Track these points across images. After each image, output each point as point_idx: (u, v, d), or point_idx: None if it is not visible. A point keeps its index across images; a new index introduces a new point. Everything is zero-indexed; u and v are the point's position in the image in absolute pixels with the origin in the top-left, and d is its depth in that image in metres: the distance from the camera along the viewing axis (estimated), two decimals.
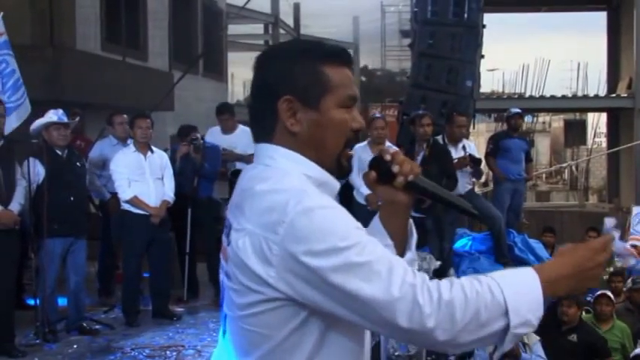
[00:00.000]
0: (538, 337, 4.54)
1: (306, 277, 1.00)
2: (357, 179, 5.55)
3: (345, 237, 1.00)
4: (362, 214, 5.48)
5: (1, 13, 4.78)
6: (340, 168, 1.14)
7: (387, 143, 5.68)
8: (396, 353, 3.64)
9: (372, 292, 0.98)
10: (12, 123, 4.59)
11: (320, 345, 1.06)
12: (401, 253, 1.17)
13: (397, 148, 1.30)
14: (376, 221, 1.20)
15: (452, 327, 0.98)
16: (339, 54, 1.13)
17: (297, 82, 1.10)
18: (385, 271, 0.99)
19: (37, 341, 4.35)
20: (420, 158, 5.37)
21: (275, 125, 1.11)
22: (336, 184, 1.14)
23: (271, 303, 1.03)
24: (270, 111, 1.11)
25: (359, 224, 1.06)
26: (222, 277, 1.14)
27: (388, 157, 1.15)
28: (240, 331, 1.08)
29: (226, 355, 1.13)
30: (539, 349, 4.48)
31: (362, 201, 5.43)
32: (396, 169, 1.14)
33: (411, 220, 1.23)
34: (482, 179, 6.74)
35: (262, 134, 1.13)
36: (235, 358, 1.10)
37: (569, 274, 1.04)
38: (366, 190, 5.47)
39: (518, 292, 1.00)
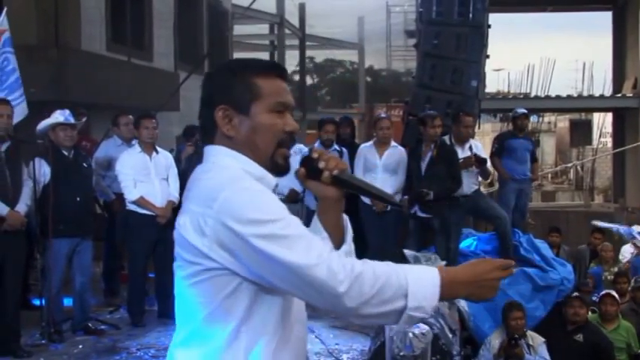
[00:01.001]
0: (543, 339, 4.52)
1: (234, 243, 1.15)
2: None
3: (271, 213, 1.16)
4: (368, 213, 5.49)
5: (5, 9, 4.80)
6: (276, 166, 1.28)
7: (392, 143, 5.68)
8: (401, 353, 3.64)
9: (291, 257, 1.12)
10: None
11: (250, 309, 1.19)
12: (337, 245, 1.30)
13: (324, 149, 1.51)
14: (315, 218, 1.33)
15: (359, 296, 1.12)
16: (270, 67, 1.32)
17: (231, 92, 1.27)
18: (305, 243, 1.14)
19: (43, 341, 4.37)
20: (427, 158, 5.36)
21: (215, 130, 1.29)
22: (273, 179, 1.29)
23: (207, 273, 1.18)
24: (211, 118, 1.29)
25: (286, 209, 1.20)
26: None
27: (315, 155, 1.28)
28: (182, 301, 1.23)
29: (175, 332, 1.28)
30: (544, 352, 4.46)
31: (367, 201, 5.43)
32: (321, 165, 1.27)
33: (345, 216, 1.35)
34: (488, 179, 6.70)
35: (207, 137, 1.31)
36: (180, 327, 1.25)
37: (468, 280, 1.20)
38: None
39: (419, 281, 1.16)
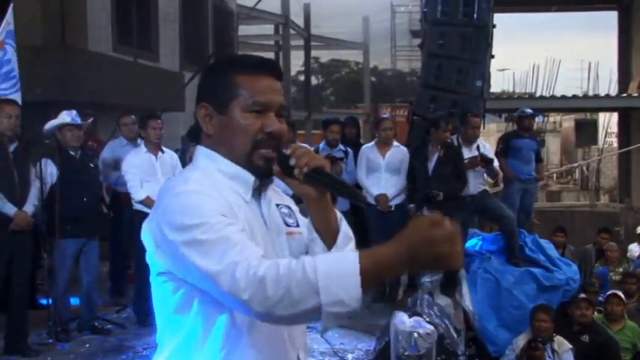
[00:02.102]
0: (571, 346, 4.48)
1: (168, 249, 1.18)
2: (365, 180, 5.56)
3: (197, 216, 1.15)
4: (372, 213, 5.49)
5: (12, 4, 4.84)
6: (254, 167, 1.25)
7: (395, 143, 5.69)
8: (406, 353, 3.64)
9: (202, 264, 1.12)
10: None
11: (203, 314, 1.20)
12: (329, 246, 1.24)
13: (306, 146, 1.41)
14: (309, 218, 1.28)
15: (265, 301, 1.07)
16: (256, 65, 1.26)
17: (213, 91, 1.27)
18: (221, 249, 1.12)
19: (50, 340, 4.40)
20: (435, 159, 5.37)
21: (199, 129, 1.30)
22: (249, 177, 1.26)
23: (161, 276, 1.23)
24: (195, 117, 1.31)
25: (222, 209, 1.17)
26: None
27: (288, 152, 1.23)
28: (154, 302, 1.29)
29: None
30: (569, 358, 4.42)
31: (372, 201, 5.44)
32: (292, 162, 1.21)
33: (340, 214, 1.28)
34: (495, 179, 6.68)
35: (194, 138, 1.41)
36: (157, 322, 1.30)
37: (398, 262, 1.06)
38: (375, 191, 5.48)
39: (332, 274, 1.05)
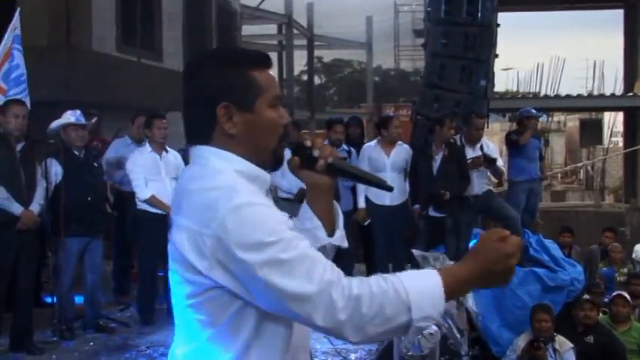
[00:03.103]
0: (572, 345, 4.46)
1: (236, 268, 1.10)
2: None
3: (272, 233, 1.09)
4: (375, 212, 5.49)
5: (19, 9, 4.87)
6: (277, 160, 1.25)
7: (398, 142, 5.68)
8: (409, 353, 3.64)
9: (292, 286, 1.07)
10: None
11: (257, 331, 1.15)
12: (330, 232, 1.28)
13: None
14: (305, 207, 1.29)
15: (360, 320, 1.08)
16: (263, 59, 1.25)
17: (231, 89, 1.20)
18: (306, 267, 1.09)
19: (55, 338, 4.43)
20: (439, 158, 5.36)
21: (212, 130, 1.21)
22: (267, 177, 1.25)
23: (209, 292, 1.13)
24: (207, 117, 1.21)
25: (285, 219, 1.15)
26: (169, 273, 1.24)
27: (309, 143, 1.25)
28: (185, 320, 1.18)
29: (175, 344, 1.23)
30: (571, 358, 4.40)
31: (374, 200, 5.44)
32: (316, 153, 1.24)
33: (335, 202, 1.32)
34: (500, 179, 6.67)
35: (198, 138, 1.23)
36: (182, 346, 1.20)
37: (474, 277, 1.14)
38: (379, 191, 5.47)
39: (421, 291, 1.11)
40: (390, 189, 1.30)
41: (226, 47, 1.38)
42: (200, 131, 1.22)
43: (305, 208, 1.29)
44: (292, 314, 1.11)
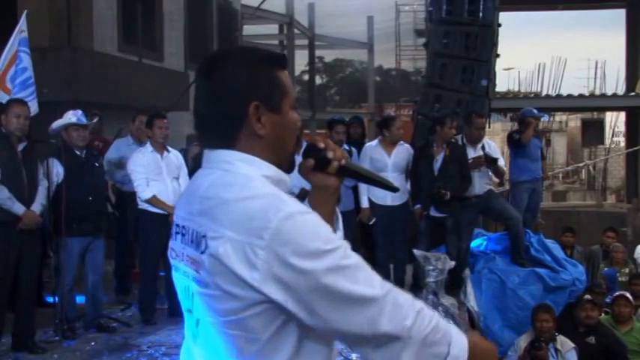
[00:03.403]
0: (573, 345, 4.45)
1: (293, 279, 1.03)
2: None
3: (329, 241, 1.06)
4: (376, 213, 5.48)
5: (25, 12, 4.86)
6: (292, 162, 1.23)
7: (400, 141, 5.68)
8: None
9: (360, 290, 1.05)
10: None
11: (299, 346, 1.10)
12: (333, 229, 1.28)
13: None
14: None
15: (419, 332, 1.08)
16: (283, 59, 1.22)
17: (261, 88, 1.15)
18: (365, 273, 1.07)
19: (57, 338, 4.43)
20: (440, 158, 5.36)
21: (238, 131, 1.14)
22: (287, 179, 1.22)
23: (255, 307, 1.06)
24: (233, 117, 1.14)
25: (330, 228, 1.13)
26: (185, 284, 1.17)
27: (322, 145, 1.24)
28: (223, 336, 1.10)
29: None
30: (573, 358, 4.40)
31: (376, 201, 5.44)
32: (330, 155, 1.24)
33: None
34: (501, 179, 6.67)
35: (220, 140, 1.15)
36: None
37: (481, 349, 1.18)
38: (380, 191, 5.48)
39: (457, 332, 1.15)
40: (396, 190, 1.31)
41: (244, 46, 1.34)
42: (223, 133, 1.15)
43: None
44: (354, 323, 1.05)
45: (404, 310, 1.07)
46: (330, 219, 1.25)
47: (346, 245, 1.09)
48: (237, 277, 1.05)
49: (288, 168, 1.21)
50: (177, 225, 1.18)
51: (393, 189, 1.31)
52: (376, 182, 1.33)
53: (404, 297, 1.09)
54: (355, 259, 1.07)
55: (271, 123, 1.15)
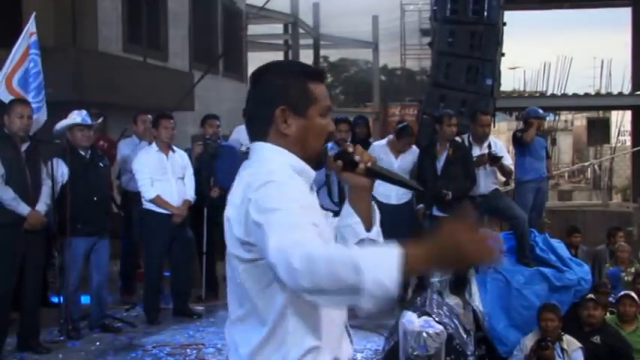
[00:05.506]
0: (580, 345, 4.43)
1: (251, 226, 1.31)
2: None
3: (281, 202, 1.28)
4: (380, 211, 5.46)
5: (34, 13, 4.82)
6: (320, 162, 1.47)
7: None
8: (415, 353, 3.63)
9: (272, 239, 1.24)
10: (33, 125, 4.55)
11: (292, 296, 1.30)
12: (368, 228, 1.47)
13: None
14: (346, 205, 1.50)
15: (311, 274, 1.18)
16: (319, 73, 1.49)
17: (289, 95, 1.42)
18: (290, 231, 1.24)
19: (61, 338, 4.44)
20: (443, 158, 5.33)
21: (269, 128, 1.44)
22: (312, 172, 1.46)
23: (249, 263, 1.34)
24: (266, 117, 1.43)
25: (306, 199, 1.34)
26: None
27: (351, 149, 1.47)
28: (233, 288, 1.42)
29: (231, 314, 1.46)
30: (579, 357, 4.38)
31: (379, 198, 5.42)
32: (357, 157, 1.46)
33: (373, 202, 1.52)
34: (508, 178, 6.64)
35: (257, 135, 1.46)
36: (233, 312, 1.44)
37: (429, 259, 1.21)
38: (383, 191, 5.45)
39: (374, 255, 1.19)
40: (421, 190, 1.46)
41: (289, 60, 1.64)
42: (260, 129, 1.45)
43: (346, 206, 1.49)
44: (268, 261, 1.26)
45: (295, 250, 1.20)
46: (365, 214, 1.47)
47: (296, 209, 1.26)
48: (235, 236, 1.35)
49: (314, 165, 1.45)
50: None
51: (416, 189, 1.62)
52: (401, 183, 1.55)
53: (302, 248, 1.20)
54: (293, 219, 1.24)
55: (297, 125, 1.43)
